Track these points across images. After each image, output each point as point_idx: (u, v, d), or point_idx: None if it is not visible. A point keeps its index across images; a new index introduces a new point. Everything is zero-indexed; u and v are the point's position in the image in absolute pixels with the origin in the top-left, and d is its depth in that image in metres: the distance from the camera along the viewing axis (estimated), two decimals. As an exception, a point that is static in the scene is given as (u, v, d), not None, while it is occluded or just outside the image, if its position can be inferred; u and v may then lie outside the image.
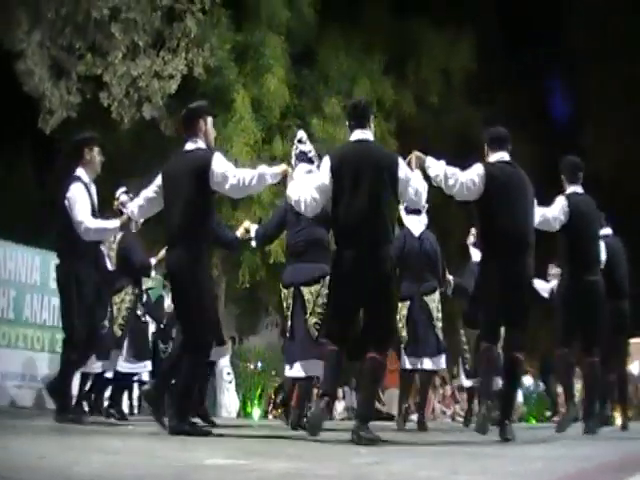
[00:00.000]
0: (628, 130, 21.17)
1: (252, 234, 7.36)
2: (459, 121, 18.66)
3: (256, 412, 14.70)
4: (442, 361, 8.11)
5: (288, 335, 7.04)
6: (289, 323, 6.98)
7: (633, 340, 22.86)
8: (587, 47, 21.58)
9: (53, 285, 11.69)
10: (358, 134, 5.37)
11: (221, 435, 5.50)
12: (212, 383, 13.71)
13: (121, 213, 7.36)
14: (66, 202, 6.45)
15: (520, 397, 17.94)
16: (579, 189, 7.14)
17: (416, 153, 5.74)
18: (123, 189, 8.01)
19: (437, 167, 5.74)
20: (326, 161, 5.29)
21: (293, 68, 15.40)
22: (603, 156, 20.35)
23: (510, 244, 5.65)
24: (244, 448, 4.39)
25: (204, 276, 5.50)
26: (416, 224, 8.00)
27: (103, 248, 8.81)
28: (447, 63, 18.23)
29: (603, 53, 21.26)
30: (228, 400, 14.02)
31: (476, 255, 8.96)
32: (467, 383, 9.74)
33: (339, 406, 15.34)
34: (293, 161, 7.15)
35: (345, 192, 5.13)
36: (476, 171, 5.75)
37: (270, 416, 15.40)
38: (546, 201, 6.82)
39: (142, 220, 6.51)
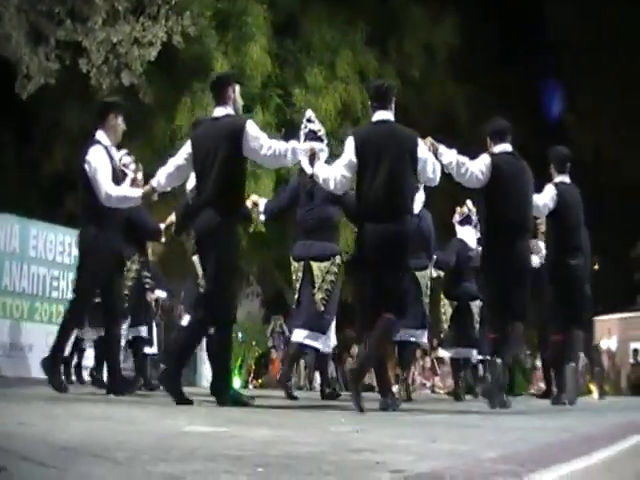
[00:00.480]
0: (624, 122, 21.34)
1: (261, 208, 7.45)
2: (442, 96, 18.68)
3: (236, 382, 14.74)
4: (425, 336, 8.26)
5: (294, 305, 7.53)
6: (296, 294, 7.40)
7: (611, 316, 23.14)
8: (582, 39, 21.59)
9: (32, 253, 11.68)
10: (380, 115, 5.59)
11: (202, 403, 5.51)
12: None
13: (124, 174, 7.27)
14: (86, 166, 6.26)
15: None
16: (566, 179, 7.41)
17: (430, 139, 5.90)
18: (125, 151, 7.89)
19: (449, 155, 5.99)
20: (350, 141, 5.52)
21: (275, 37, 15.26)
22: (594, 146, 20.60)
23: (511, 230, 6.05)
24: (225, 416, 4.39)
25: (234, 241, 5.63)
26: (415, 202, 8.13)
27: None
28: (430, 39, 18.20)
29: (598, 45, 21.31)
30: (208, 370, 14.03)
31: (461, 232, 9.10)
32: (445, 354, 9.89)
33: (319, 377, 15.39)
34: (302, 140, 7.25)
35: (368, 170, 5.40)
36: (483, 161, 6.15)
37: (250, 386, 15.46)
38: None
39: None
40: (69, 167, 15.44)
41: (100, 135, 6.50)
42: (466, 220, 9.19)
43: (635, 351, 20.79)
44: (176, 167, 5.81)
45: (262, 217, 7.65)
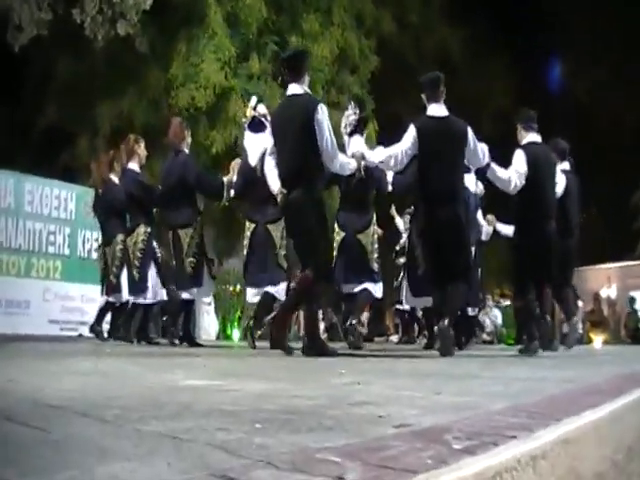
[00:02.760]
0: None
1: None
2: (438, 40, 18.56)
3: (235, 334, 14.74)
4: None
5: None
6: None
7: (611, 265, 23.15)
8: (578, 27, 21.47)
9: (28, 208, 11.56)
10: (533, 137, 7.16)
11: (200, 356, 5.45)
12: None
13: (259, 122, 7.12)
14: (315, 124, 5.65)
15: (499, 319, 18.24)
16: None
17: None
18: (255, 99, 7.58)
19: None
20: (521, 154, 6.90)
21: (270, -17, 14.97)
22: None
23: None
24: (221, 370, 4.32)
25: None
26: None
27: None
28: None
29: (592, 33, 21.22)
30: (207, 322, 14.04)
31: None
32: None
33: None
34: None
35: (540, 180, 6.97)
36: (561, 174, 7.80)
37: (249, 338, 15.42)
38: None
39: None
40: (63, 120, 15.25)
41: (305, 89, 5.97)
42: None
43: (631, 299, 20.74)
44: (403, 150, 6.18)
45: None
